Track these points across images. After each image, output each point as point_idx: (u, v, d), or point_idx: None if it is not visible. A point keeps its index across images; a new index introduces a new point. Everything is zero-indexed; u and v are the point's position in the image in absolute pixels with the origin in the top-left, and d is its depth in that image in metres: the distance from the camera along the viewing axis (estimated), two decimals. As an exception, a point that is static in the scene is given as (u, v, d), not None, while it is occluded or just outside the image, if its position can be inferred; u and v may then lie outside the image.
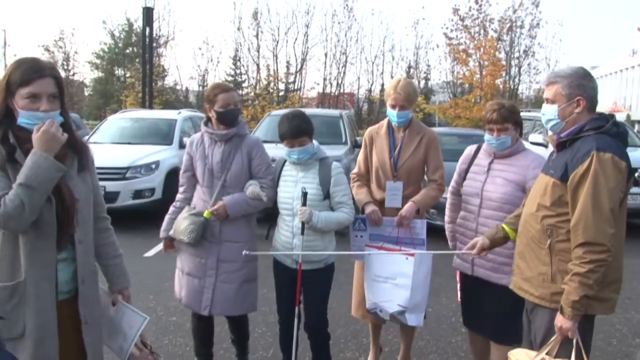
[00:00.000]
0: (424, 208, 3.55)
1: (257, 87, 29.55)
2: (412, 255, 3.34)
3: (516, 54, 26.92)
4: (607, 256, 2.26)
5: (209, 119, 3.50)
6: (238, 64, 31.56)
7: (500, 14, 25.25)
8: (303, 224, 3.21)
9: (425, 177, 3.71)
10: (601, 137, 2.34)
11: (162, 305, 5.18)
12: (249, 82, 30.98)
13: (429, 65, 31.30)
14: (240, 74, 31.78)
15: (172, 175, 9.06)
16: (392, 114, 3.59)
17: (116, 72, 35.98)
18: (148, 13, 19.91)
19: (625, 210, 2.40)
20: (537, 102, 26.87)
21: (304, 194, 3.19)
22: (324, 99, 30.12)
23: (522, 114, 3.56)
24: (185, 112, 11.61)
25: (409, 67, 30.95)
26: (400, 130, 3.66)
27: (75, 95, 34.92)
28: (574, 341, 2.34)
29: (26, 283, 2.06)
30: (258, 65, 30.22)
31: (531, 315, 2.62)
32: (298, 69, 30.57)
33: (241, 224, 3.44)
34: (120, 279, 2.55)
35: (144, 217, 8.79)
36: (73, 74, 34.90)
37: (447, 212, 3.62)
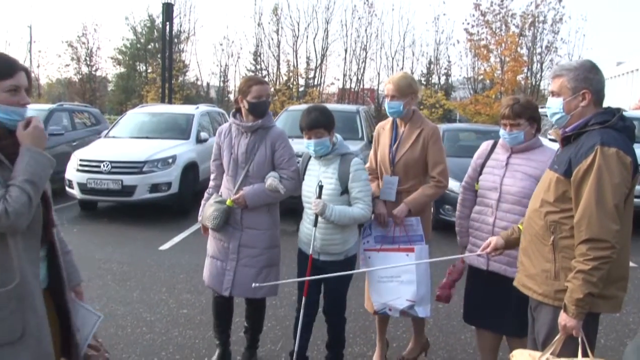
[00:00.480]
0: (415, 208, 3.50)
1: (277, 83, 29.62)
2: (412, 250, 3.37)
3: (538, 50, 26.55)
4: (612, 253, 2.21)
5: (237, 111, 3.62)
6: (258, 59, 31.71)
7: (522, 9, 24.88)
8: (316, 215, 3.29)
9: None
10: (606, 131, 2.28)
11: (174, 298, 5.24)
12: (269, 77, 31.07)
13: (449, 61, 31.07)
14: (261, 69, 31.91)
15: (188, 170, 9.18)
16: (385, 105, 3.70)
17: (138, 67, 36.33)
18: (168, 9, 20.08)
19: (632, 206, 2.34)
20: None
21: (320, 187, 3.29)
22: (343, 95, 30.08)
23: (540, 110, 3.47)
24: (203, 107, 11.66)
25: (430, 62, 30.80)
26: (402, 125, 3.66)
27: (98, 90, 35.38)
28: (579, 339, 2.30)
29: (22, 283, 2.01)
30: (278, 60, 30.33)
31: (535, 312, 2.58)
32: (318, 65, 30.58)
33: (262, 212, 3.56)
34: (73, 275, 2.45)
35: (160, 210, 8.92)
36: (96, 70, 35.35)
37: (458, 207, 3.55)
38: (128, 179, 8.36)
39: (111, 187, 8.35)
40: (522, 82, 23.99)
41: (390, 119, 3.74)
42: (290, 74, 29.69)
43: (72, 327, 2.29)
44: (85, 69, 34.48)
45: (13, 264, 1.99)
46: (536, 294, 2.49)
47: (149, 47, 35.41)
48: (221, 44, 49.14)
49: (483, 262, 3.28)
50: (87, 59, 34.56)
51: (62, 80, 36.13)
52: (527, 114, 3.14)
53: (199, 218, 3.78)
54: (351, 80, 30.46)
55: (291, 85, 28.96)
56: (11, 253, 1.99)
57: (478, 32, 24.31)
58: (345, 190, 3.34)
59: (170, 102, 19.54)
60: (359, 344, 4.29)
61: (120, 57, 36.46)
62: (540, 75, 27.58)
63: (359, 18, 29.77)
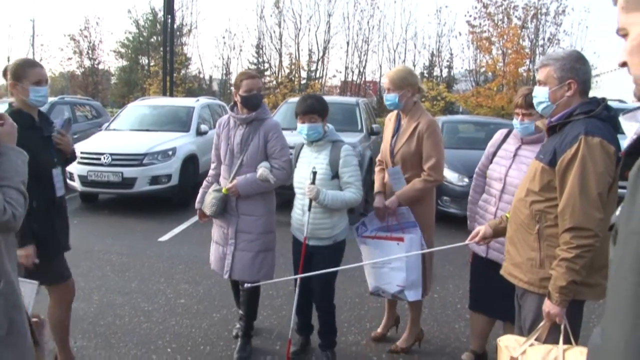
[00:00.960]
0: (405, 202, 3.62)
1: (280, 76, 29.57)
2: (402, 240, 3.56)
3: (540, 42, 26.37)
4: (595, 241, 2.25)
5: (235, 104, 3.82)
6: (260, 52, 31.60)
7: (524, 1, 24.66)
8: (310, 201, 3.43)
9: None
10: (591, 121, 2.31)
11: (172, 288, 5.29)
12: (271, 70, 31.02)
13: (451, 54, 30.89)
14: (263, 62, 31.79)
15: (188, 162, 9.22)
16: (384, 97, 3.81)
17: (140, 60, 36.24)
18: (169, 2, 20.02)
19: (616, 195, 2.37)
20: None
21: (314, 173, 3.44)
22: (345, 87, 30.03)
23: None
24: (204, 100, 11.67)
25: (432, 55, 30.64)
26: (404, 117, 3.74)
27: (100, 83, 35.35)
28: (562, 326, 2.33)
29: (8, 282, 1.97)
30: (280, 53, 30.24)
31: (521, 300, 2.62)
32: (320, 57, 30.50)
33: (257, 199, 3.72)
34: None
35: (160, 202, 8.97)
36: (98, 63, 35.29)
37: (471, 192, 3.71)
38: (128, 171, 8.42)
39: (112, 179, 8.41)
40: (524, 75, 23.84)
41: (396, 110, 3.83)
42: (293, 66, 29.60)
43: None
44: (87, 63, 34.40)
45: (4, 262, 1.96)
46: (522, 282, 2.53)
47: (152, 40, 35.27)
48: (223, 37, 48.82)
49: (483, 250, 3.41)
50: (90, 52, 34.45)
51: (65, 74, 36.04)
52: None
53: (197, 205, 3.98)
54: (353, 72, 30.40)
55: (293, 78, 28.87)
56: (2, 252, 1.97)
57: (480, 24, 24.12)
58: (335, 175, 3.49)
59: (172, 95, 19.54)
60: (353, 333, 4.33)
61: (122, 50, 36.41)
62: (543, 67, 27.36)
63: (361, 10, 29.60)
